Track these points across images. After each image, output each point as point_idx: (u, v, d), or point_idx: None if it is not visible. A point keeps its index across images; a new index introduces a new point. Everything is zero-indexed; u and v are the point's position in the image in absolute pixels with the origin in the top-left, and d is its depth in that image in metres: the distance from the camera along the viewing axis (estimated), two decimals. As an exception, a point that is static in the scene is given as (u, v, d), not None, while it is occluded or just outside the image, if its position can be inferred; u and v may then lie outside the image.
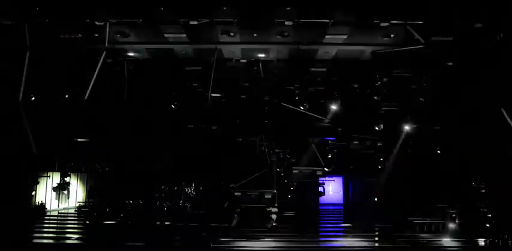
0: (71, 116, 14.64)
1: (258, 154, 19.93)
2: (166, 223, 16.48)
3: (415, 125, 15.45)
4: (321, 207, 24.79)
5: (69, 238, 14.71)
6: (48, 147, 15.56)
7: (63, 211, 22.36)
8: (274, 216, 17.10)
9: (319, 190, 20.84)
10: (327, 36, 11.50)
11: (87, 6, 9.86)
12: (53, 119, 14.43)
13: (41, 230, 16.45)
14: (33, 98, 13.02)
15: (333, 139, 19.64)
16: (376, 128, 15.64)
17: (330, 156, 20.08)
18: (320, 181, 21.17)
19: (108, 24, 10.59)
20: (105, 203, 20.08)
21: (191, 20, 10.48)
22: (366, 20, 10.29)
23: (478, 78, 11.63)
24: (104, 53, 11.29)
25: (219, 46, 12.32)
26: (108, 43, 11.09)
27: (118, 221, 17.22)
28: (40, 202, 21.06)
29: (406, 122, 15.37)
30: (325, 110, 15.32)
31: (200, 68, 13.82)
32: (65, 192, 23.35)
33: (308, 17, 10.36)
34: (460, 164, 15.93)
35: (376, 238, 15.91)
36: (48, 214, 21.13)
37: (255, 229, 15.96)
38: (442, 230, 15.25)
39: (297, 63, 13.88)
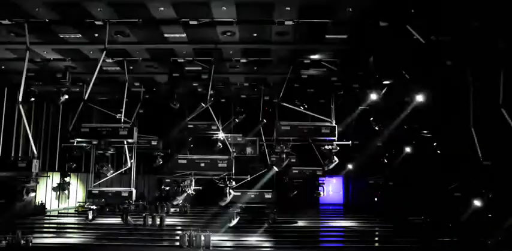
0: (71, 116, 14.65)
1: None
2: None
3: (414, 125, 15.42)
4: (321, 207, 24.86)
5: (69, 238, 14.73)
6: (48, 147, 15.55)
7: (63, 211, 22.35)
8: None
9: (319, 189, 20.80)
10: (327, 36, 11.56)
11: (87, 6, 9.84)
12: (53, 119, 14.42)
13: (41, 230, 16.47)
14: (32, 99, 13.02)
15: (333, 138, 19.59)
16: (376, 128, 15.63)
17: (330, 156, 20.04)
18: (320, 181, 21.14)
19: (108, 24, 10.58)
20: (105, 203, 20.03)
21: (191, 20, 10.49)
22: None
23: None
24: (104, 53, 11.26)
25: (218, 46, 12.33)
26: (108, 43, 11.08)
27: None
28: (40, 202, 21.06)
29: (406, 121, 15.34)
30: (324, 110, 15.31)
31: (200, 68, 13.83)
32: (65, 192, 23.35)
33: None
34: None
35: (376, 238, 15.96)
36: (48, 213, 21.14)
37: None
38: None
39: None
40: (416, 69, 11.59)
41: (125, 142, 13.32)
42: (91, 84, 11.58)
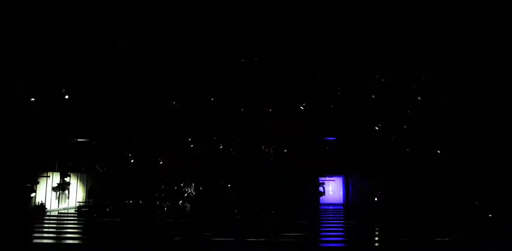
0: (71, 116, 14.67)
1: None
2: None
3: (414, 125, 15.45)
4: (321, 207, 24.82)
5: (69, 238, 14.75)
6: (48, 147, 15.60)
7: (63, 211, 22.37)
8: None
9: (319, 189, 20.84)
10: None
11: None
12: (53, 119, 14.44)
13: (41, 230, 16.47)
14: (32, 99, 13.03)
15: (333, 138, 19.65)
16: (376, 128, 15.65)
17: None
18: (320, 181, 21.18)
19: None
20: (105, 203, 20.10)
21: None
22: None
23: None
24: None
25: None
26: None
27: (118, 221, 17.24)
28: (40, 202, 21.08)
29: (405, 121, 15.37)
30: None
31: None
32: (66, 192, 23.38)
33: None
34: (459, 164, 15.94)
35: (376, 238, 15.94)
36: (48, 214, 21.15)
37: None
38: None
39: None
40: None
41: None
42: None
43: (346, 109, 17.36)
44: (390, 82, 13.81)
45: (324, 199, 23.97)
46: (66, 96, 14.10)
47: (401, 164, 18.53)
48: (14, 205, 16.71)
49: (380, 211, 21.09)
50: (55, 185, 22.71)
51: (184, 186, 19.55)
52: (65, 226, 17.72)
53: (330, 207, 25.79)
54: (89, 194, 23.72)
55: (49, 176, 21.61)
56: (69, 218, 20.17)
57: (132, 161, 17.20)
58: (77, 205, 23.67)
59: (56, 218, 20.25)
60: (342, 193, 27.49)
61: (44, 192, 21.67)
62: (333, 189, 27.18)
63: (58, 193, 22.96)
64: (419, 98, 14.05)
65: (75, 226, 17.76)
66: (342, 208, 26.32)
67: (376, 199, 22.96)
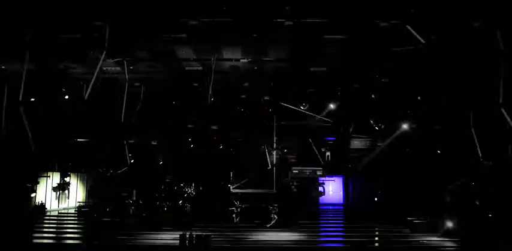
0: (71, 116, 14.67)
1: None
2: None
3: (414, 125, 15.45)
4: (321, 207, 24.78)
5: (69, 238, 14.75)
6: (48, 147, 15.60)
7: (63, 211, 22.35)
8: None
9: (319, 189, 20.80)
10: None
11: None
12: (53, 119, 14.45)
13: (41, 230, 16.48)
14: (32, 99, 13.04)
15: (333, 138, 19.66)
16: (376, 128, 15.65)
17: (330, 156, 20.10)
18: (320, 181, 21.14)
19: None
20: (105, 203, 20.06)
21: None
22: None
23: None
24: (104, 53, 11.28)
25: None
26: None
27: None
28: (40, 202, 21.05)
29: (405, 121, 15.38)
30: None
31: (200, 68, 13.85)
32: (66, 192, 23.36)
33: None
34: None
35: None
36: (48, 214, 21.13)
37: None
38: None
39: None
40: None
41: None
42: (91, 85, 11.60)
43: (346, 109, 17.40)
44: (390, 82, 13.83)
45: (324, 199, 23.92)
46: (66, 97, 14.12)
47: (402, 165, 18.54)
48: (13, 205, 16.70)
49: (380, 211, 21.07)
50: (55, 185, 22.68)
51: (184, 186, 19.51)
52: (65, 226, 17.74)
53: (330, 207, 25.75)
54: (89, 194, 23.70)
55: (49, 176, 21.57)
56: (69, 218, 20.17)
57: (132, 161, 17.17)
58: (77, 205, 23.65)
59: (56, 218, 20.25)
60: (341, 193, 27.44)
61: (44, 192, 21.65)
62: (333, 189, 27.14)
63: (58, 193, 22.92)
64: (419, 98, 14.06)
65: (75, 226, 17.78)
66: (341, 208, 26.29)
67: (376, 199, 22.94)
